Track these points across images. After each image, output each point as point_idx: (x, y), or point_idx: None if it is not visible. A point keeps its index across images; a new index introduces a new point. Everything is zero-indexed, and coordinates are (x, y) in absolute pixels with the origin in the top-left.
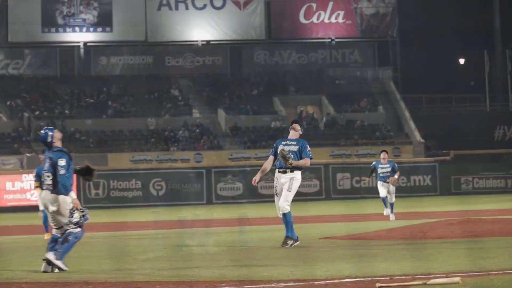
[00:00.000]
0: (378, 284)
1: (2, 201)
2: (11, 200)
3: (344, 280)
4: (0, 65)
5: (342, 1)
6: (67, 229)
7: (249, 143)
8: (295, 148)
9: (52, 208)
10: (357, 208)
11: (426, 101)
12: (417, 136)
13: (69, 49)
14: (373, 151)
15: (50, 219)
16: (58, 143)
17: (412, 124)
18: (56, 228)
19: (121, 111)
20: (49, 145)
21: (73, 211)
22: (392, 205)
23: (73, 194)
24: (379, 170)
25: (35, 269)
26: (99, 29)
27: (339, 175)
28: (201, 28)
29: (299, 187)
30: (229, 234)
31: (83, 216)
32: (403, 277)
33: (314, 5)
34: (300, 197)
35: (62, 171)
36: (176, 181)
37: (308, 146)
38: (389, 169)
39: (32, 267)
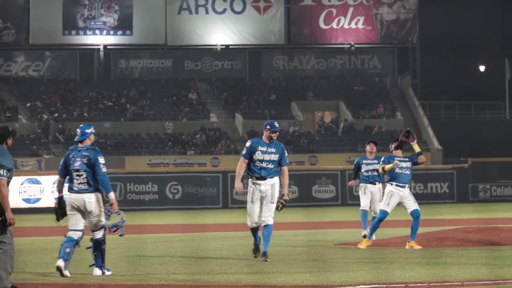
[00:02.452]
0: None
1: (20, 202)
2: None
3: (359, 287)
4: (20, 67)
5: (363, 6)
6: (96, 235)
7: None
8: (275, 157)
9: (92, 208)
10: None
11: (445, 108)
12: (435, 143)
13: (89, 52)
14: None
15: (74, 219)
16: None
17: (430, 131)
18: (94, 231)
19: (139, 115)
20: (81, 141)
21: (110, 212)
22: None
23: (112, 194)
24: (364, 168)
25: (51, 271)
26: (119, 32)
27: (356, 181)
28: (220, 33)
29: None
30: (243, 239)
31: (121, 218)
32: (418, 284)
33: (334, 10)
34: (316, 202)
35: (104, 169)
36: (192, 185)
37: (286, 152)
38: (376, 167)
39: (48, 269)
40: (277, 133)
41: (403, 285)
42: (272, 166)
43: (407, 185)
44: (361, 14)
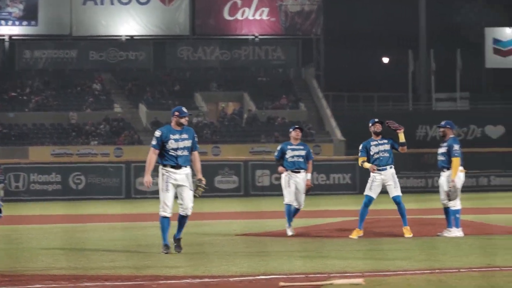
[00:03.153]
0: (281, 283)
1: None
2: None
3: (259, 277)
4: None
5: None
6: None
7: None
8: (189, 143)
9: None
10: (276, 205)
11: (348, 99)
12: (338, 134)
13: None
14: None
15: None
16: None
17: (333, 122)
18: None
19: (44, 105)
20: None
21: None
22: (296, 212)
23: None
24: (288, 154)
25: None
26: (25, 22)
27: (258, 172)
28: (125, 23)
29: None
30: (145, 229)
31: None
32: (318, 275)
33: (239, 1)
34: (218, 193)
35: None
36: (95, 175)
37: (196, 136)
38: (303, 153)
39: None
40: (187, 118)
41: (303, 275)
42: (187, 153)
43: (388, 167)
44: (265, 6)
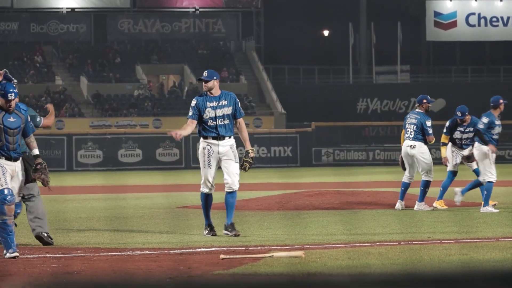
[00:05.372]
0: (221, 256)
1: None
2: None
3: (199, 249)
4: None
5: None
6: None
7: (111, 111)
8: (229, 110)
9: None
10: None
11: (289, 72)
12: (279, 107)
13: None
14: None
15: None
16: None
17: (274, 95)
18: None
19: None
20: None
21: None
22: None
23: None
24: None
25: None
26: None
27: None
28: None
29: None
30: (87, 201)
31: None
32: (259, 247)
33: None
34: (160, 166)
35: None
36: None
37: (238, 101)
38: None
39: None
40: (214, 81)
41: (244, 248)
42: (228, 122)
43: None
44: None
